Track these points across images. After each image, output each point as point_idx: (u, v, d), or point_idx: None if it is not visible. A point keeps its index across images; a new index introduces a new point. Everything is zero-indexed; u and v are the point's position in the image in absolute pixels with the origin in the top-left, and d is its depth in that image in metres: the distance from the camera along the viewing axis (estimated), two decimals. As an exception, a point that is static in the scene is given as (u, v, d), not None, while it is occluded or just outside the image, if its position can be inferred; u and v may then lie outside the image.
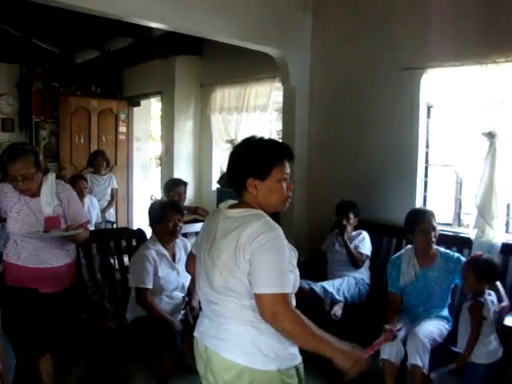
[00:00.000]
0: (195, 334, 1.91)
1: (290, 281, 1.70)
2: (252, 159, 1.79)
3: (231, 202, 1.87)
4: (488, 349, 2.78)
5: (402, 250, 3.54)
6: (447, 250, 3.44)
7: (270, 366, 1.70)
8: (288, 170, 1.82)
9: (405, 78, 4.13)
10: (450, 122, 3.96)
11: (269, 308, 1.65)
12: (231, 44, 4.68)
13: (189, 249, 3.57)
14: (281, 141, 1.87)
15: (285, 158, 1.81)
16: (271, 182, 1.77)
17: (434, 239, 3.33)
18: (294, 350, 1.77)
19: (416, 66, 4.04)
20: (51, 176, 2.88)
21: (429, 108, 4.21)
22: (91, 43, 6.63)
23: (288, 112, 5.09)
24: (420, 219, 3.35)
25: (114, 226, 5.97)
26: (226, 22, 4.30)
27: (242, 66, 5.61)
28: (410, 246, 3.49)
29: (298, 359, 1.79)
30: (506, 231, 3.83)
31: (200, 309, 2.77)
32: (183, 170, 6.42)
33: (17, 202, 2.82)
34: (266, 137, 1.95)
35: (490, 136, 3.69)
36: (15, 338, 2.81)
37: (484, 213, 3.68)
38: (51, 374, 2.92)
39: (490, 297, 2.90)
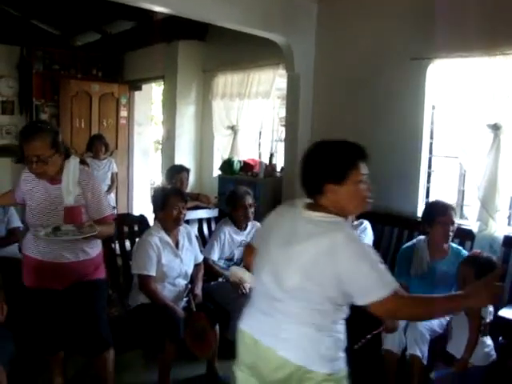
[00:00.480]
0: (242, 326, 1.88)
1: (389, 275, 1.66)
2: (326, 164, 1.74)
3: (307, 200, 1.81)
4: (485, 350, 2.70)
5: (414, 240, 3.50)
6: (460, 247, 3.43)
7: (324, 367, 1.70)
8: (365, 171, 1.76)
9: (412, 68, 4.09)
10: (456, 114, 3.93)
11: (383, 312, 1.68)
12: (235, 30, 4.63)
13: (192, 236, 3.58)
14: (352, 142, 1.79)
15: (359, 159, 1.76)
16: (350, 186, 1.72)
17: (451, 233, 3.29)
18: (343, 356, 1.77)
19: (423, 57, 4.00)
20: (74, 161, 2.59)
21: (434, 99, 4.17)
22: (92, 26, 6.56)
23: (292, 99, 5.06)
24: (441, 212, 3.31)
25: (115, 211, 5.95)
26: (230, 8, 4.26)
27: (245, 52, 5.56)
28: (422, 237, 3.46)
29: (345, 365, 1.78)
30: (509, 224, 3.83)
31: (207, 297, 2.76)
32: (184, 156, 6.38)
33: (36, 188, 2.59)
34: (339, 139, 1.83)
35: (495, 128, 3.68)
36: (25, 335, 2.74)
37: (487, 205, 3.68)
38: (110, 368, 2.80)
39: None
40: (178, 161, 6.05)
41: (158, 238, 3.27)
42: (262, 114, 5.85)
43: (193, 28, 5.94)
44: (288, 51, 4.81)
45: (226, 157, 6.01)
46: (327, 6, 4.81)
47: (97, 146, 6.03)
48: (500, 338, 2.91)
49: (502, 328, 2.93)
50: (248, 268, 2.20)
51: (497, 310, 2.95)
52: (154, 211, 3.49)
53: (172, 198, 3.31)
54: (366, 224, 4.15)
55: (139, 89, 7.51)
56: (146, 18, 6.04)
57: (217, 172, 6.20)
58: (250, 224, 4.04)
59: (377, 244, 4.18)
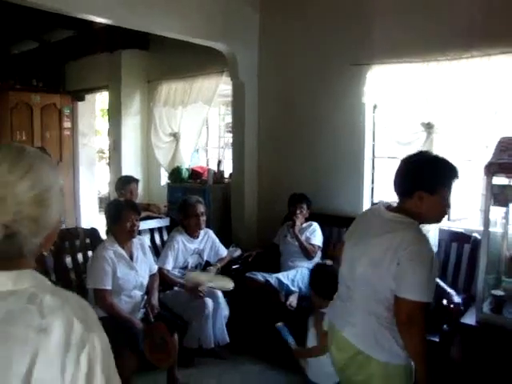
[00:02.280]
0: (326, 310, 2.22)
1: (432, 288, 1.85)
2: (428, 175, 1.92)
3: (390, 202, 2.03)
4: (325, 370, 2.56)
5: None
6: None
7: (381, 356, 1.87)
8: (452, 190, 1.96)
9: (352, 74, 4.27)
10: (394, 115, 4.15)
11: (407, 312, 1.81)
12: (178, 39, 4.66)
13: (146, 247, 3.59)
14: (452, 163, 1.98)
15: (454, 179, 1.95)
16: (437, 198, 1.91)
17: None
18: (405, 353, 1.89)
19: (362, 62, 4.19)
20: None
21: (374, 102, 4.36)
22: (29, 34, 6.37)
23: (237, 106, 5.15)
24: None
25: (63, 224, 5.84)
26: (172, 17, 4.28)
27: (189, 60, 5.58)
28: None
29: (408, 361, 1.90)
30: (448, 219, 4.04)
31: (164, 306, 2.78)
32: (131, 166, 6.34)
33: None
34: (432, 154, 2.06)
35: (428, 127, 3.92)
36: None
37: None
38: None
39: None
40: (125, 171, 6.01)
41: (112, 251, 3.27)
42: (206, 121, 5.92)
43: (135, 37, 5.92)
44: (232, 59, 4.89)
45: (165, 165, 6.02)
46: (269, 15, 4.93)
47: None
48: (444, 326, 3.06)
49: (445, 316, 3.08)
50: (337, 261, 2.34)
51: (440, 299, 3.12)
52: (108, 224, 3.48)
53: (125, 210, 3.32)
54: (315, 225, 4.29)
55: (82, 99, 7.37)
56: (87, 26, 5.96)
57: (165, 181, 6.20)
58: (202, 232, 4.09)
59: (326, 244, 4.32)
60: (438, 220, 2.06)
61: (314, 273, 2.99)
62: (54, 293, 0.89)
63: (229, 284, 3.87)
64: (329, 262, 3.07)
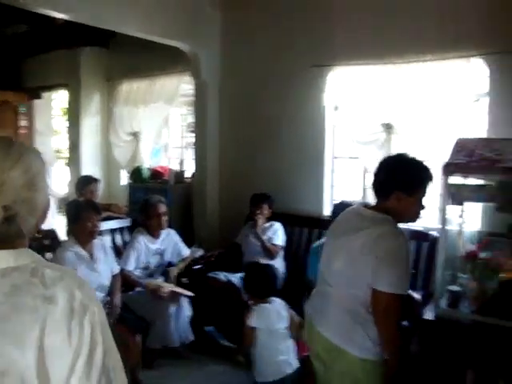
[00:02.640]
0: (306, 307, 2.22)
1: (406, 281, 1.93)
2: (405, 176, 2.01)
3: (366, 202, 2.16)
4: (269, 368, 2.77)
5: (323, 240, 3.66)
6: None
7: (355, 351, 1.92)
8: (427, 192, 2.05)
9: (313, 75, 4.33)
10: (354, 116, 4.23)
11: (384, 304, 1.87)
12: (139, 37, 4.60)
13: (107, 248, 3.54)
14: (426, 164, 2.07)
15: (430, 181, 2.04)
16: (414, 199, 2.00)
17: None
18: (378, 348, 1.94)
19: (323, 64, 4.25)
20: None
21: (335, 103, 4.42)
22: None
23: (199, 106, 5.14)
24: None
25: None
26: (133, 15, 4.23)
27: (150, 59, 5.53)
28: None
29: (380, 356, 1.95)
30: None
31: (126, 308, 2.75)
32: (91, 166, 6.23)
33: None
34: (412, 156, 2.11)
35: (388, 127, 4.03)
36: None
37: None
38: None
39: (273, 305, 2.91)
40: (84, 171, 5.90)
41: (72, 252, 3.20)
42: (167, 121, 5.88)
43: (96, 35, 5.80)
44: (194, 59, 4.87)
45: (124, 164, 5.95)
46: (231, 15, 4.94)
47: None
48: (404, 322, 3.14)
49: (406, 311, 3.16)
50: None
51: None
52: (68, 225, 3.41)
53: (85, 211, 3.26)
54: (277, 225, 4.32)
55: (39, 97, 7.18)
56: (44, 21, 5.80)
57: (125, 181, 6.12)
58: (163, 232, 4.06)
59: (288, 244, 4.36)
60: (413, 220, 2.12)
61: (246, 271, 3.10)
62: (52, 267, 0.97)
63: (188, 292, 3.84)
64: (262, 261, 3.16)
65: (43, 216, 1.05)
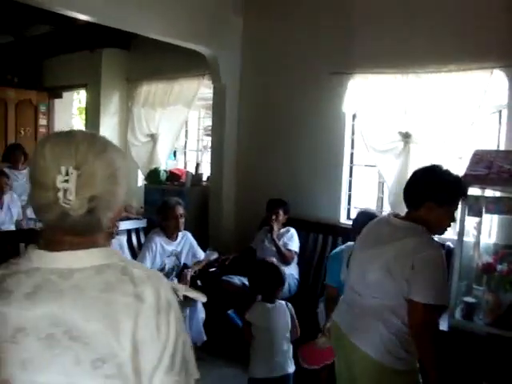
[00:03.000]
0: (334, 317, 2.23)
1: (445, 291, 1.98)
2: (439, 187, 2.04)
3: (396, 212, 2.18)
4: (268, 364, 2.84)
5: (343, 246, 3.60)
6: None
7: (388, 362, 1.92)
8: (458, 206, 2.14)
9: (332, 82, 4.34)
10: (373, 124, 4.23)
11: (421, 316, 1.87)
12: (160, 40, 4.65)
13: (124, 247, 3.57)
14: (461, 180, 2.17)
15: (462, 196, 2.14)
16: (445, 211, 2.04)
17: None
18: (415, 358, 1.98)
19: (343, 71, 4.26)
20: None
21: (354, 111, 4.43)
22: (3, 28, 6.23)
23: (217, 110, 5.17)
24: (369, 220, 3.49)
25: (37, 223, 5.75)
26: (156, 18, 4.28)
27: (170, 61, 5.58)
28: (351, 243, 3.61)
29: (414, 366, 1.99)
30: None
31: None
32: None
33: None
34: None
35: (406, 136, 4.02)
36: None
37: (396, 209, 3.93)
38: None
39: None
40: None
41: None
42: (184, 124, 5.92)
43: (117, 36, 5.88)
44: (214, 63, 4.91)
45: (141, 165, 6.00)
46: (252, 20, 4.97)
47: (16, 156, 5.77)
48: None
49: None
50: None
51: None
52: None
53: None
54: (293, 231, 4.33)
55: (60, 96, 7.27)
56: (67, 22, 5.88)
57: (141, 182, 6.17)
58: (180, 234, 4.09)
59: (303, 250, 4.37)
60: (441, 232, 2.14)
61: (253, 268, 3.18)
62: (139, 267, 1.04)
63: (202, 297, 3.85)
64: (268, 259, 3.24)
65: (119, 213, 1.08)
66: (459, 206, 2.14)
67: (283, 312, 2.92)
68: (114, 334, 0.92)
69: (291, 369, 2.89)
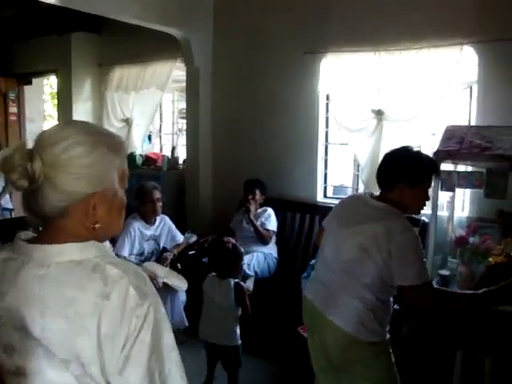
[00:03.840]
0: (305, 293, 2.26)
1: (426, 269, 2.00)
2: (410, 169, 2.07)
3: (372, 193, 2.16)
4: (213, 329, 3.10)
5: None
6: None
7: (364, 336, 1.98)
8: (431, 184, 2.15)
9: (306, 62, 4.35)
10: (346, 103, 4.25)
11: (413, 298, 1.95)
12: (131, 23, 4.58)
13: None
14: (432, 158, 2.23)
15: (434, 173, 2.14)
16: (418, 191, 2.07)
17: None
18: (385, 329, 2.06)
19: (316, 51, 4.27)
20: None
21: (328, 90, 4.44)
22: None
23: (191, 92, 5.14)
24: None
25: (13, 213, 5.67)
26: (126, 1, 4.21)
27: (142, 45, 5.49)
28: None
29: (386, 335, 2.07)
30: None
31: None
32: (83, 152, 6.19)
33: None
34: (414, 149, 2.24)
35: (379, 114, 4.05)
36: None
37: (370, 187, 3.98)
38: None
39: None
40: (76, 157, 5.87)
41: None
42: (159, 107, 5.88)
43: (86, 20, 5.74)
44: (186, 45, 4.86)
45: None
46: (223, 1, 4.92)
47: (-14, 145, 5.67)
48: (395, 306, 3.21)
49: (396, 295, 3.23)
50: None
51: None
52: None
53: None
54: (270, 211, 4.36)
55: (29, 83, 7.09)
56: (32, 6, 5.73)
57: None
58: (158, 218, 4.09)
59: (281, 229, 4.41)
60: (417, 211, 2.20)
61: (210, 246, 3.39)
62: (114, 263, 0.99)
63: (183, 284, 3.87)
64: (225, 239, 3.41)
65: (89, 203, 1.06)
66: (432, 185, 2.17)
67: (229, 290, 3.05)
68: (77, 333, 0.92)
69: (232, 342, 3.05)
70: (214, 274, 3.18)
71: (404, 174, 2.06)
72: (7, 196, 5.84)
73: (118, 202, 1.08)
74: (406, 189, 2.04)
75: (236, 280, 3.10)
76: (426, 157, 2.15)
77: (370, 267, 1.97)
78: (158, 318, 0.97)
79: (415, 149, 2.20)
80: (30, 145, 1.01)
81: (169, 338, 0.99)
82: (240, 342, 3.08)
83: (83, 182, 1.00)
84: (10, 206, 5.64)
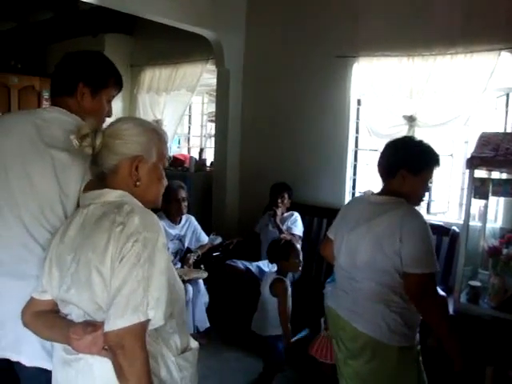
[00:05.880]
0: (329, 303, 2.20)
1: (435, 257, 1.92)
2: (412, 154, 2.03)
3: (373, 191, 2.12)
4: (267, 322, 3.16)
5: None
6: None
7: (393, 341, 1.92)
8: (433, 175, 2.09)
9: (337, 66, 4.29)
10: (377, 108, 4.18)
11: (419, 286, 1.88)
12: (163, 24, 4.58)
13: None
14: (434, 148, 2.11)
15: (436, 164, 2.06)
16: (419, 180, 2.02)
17: None
18: (415, 332, 2.00)
19: (348, 55, 4.21)
20: None
21: (359, 95, 4.39)
22: (6, 13, 6.18)
23: (221, 94, 5.13)
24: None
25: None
26: (160, 1, 4.22)
27: (173, 47, 5.54)
28: None
29: (417, 341, 2.01)
30: (428, 212, 4.11)
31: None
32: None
33: None
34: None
35: (411, 120, 3.96)
36: None
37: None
38: None
39: None
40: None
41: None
42: (188, 108, 5.89)
43: (120, 21, 5.82)
44: (218, 47, 4.86)
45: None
46: (256, 3, 4.91)
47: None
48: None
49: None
50: (328, 258, 2.35)
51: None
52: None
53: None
54: (297, 215, 4.31)
55: (63, 83, 7.20)
56: (69, 8, 5.83)
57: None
58: (183, 217, 4.08)
59: (307, 234, 4.35)
60: (417, 203, 2.12)
61: (269, 247, 3.38)
62: (131, 204, 1.32)
63: (202, 274, 3.87)
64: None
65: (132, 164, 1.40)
66: (433, 176, 2.09)
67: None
68: (93, 248, 1.27)
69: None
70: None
71: (407, 160, 2.01)
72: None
73: (157, 171, 1.42)
74: (407, 176, 1.99)
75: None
76: (429, 147, 2.09)
77: (386, 261, 1.91)
78: (154, 250, 1.24)
79: (417, 138, 2.16)
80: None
81: (160, 269, 1.25)
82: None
83: (129, 145, 1.36)
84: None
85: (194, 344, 1.48)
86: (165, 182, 1.47)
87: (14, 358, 1.59)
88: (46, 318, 1.37)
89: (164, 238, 1.30)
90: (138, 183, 1.36)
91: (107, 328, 1.20)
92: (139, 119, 1.49)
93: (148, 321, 1.22)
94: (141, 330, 1.21)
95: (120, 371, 1.19)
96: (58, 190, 1.54)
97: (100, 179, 1.39)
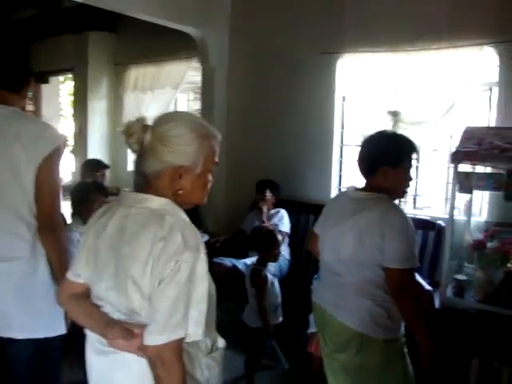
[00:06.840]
0: (314, 298, 2.22)
1: (415, 252, 1.94)
2: (390, 150, 2.02)
3: (355, 186, 2.10)
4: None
5: None
6: None
7: (378, 334, 1.93)
8: (412, 163, 2.08)
9: (323, 62, 4.30)
10: (362, 104, 4.19)
11: (398, 281, 1.88)
12: (147, 21, 4.55)
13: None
14: (408, 137, 2.11)
15: (413, 151, 2.06)
16: (400, 172, 2.02)
17: None
18: (400, 325, 2.00)
19: (333, 51, 4.21)
20: None
21: (344, 91, 4.39)
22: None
23: (207, 92, 5.11)
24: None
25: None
26: (143, -1, 4.19)
27: (158, 44, 5.48)
28: None
29: (402, 333, 2.02)
30: (414, 207, 4.14)
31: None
32: (97, 151, 6.20)
33: None
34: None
35: (395, 115, 3.99)
36: None
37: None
38: None
39: None
40: (90, 155, 5.87)
41: (79, 233, 3.19)
42: (173, 107, 5.86)
43: (103, 19, 5.76)
44: (202, 44, 4.84)
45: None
46: (240, 0, 4.89)
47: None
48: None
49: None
50: (314, 254, 2.34)
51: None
52: (74, 206, 3.40)
53: (93, 192, 3.23)
54: (283, 212, 4.31)
55: (46, 81, 7.14)
56: (52, 5, 5.77)
57: (131, 166, 6.09)
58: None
59: (294, 231, 4.35)
60: (402, 195, 2.13)
61: (251, 235, 3.37)
62: (175, 216, 1.29)
63: None
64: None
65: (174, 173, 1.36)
66: (413, 166, 2.11)
67: None
68: (133, 259, 1.25)
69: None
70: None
71: (384, 156, 2.01)
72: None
73: (201, 179, 1.38)
74: (388, 171, 1.99)
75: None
76: (403, 136, 2.10)
77: (368, 256, 1.92)
78: (196, 268, 1.23)
79: (391, 131, 2.21)
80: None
81: (200, 290, 1.24)
82: None
83: (176, 155, 1.31)
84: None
85: (221, 343, 1.50)
86: (210, 185, 1.43)
87: (5, 335, 1.62)
88: (83, 306, 1.39)
89: (204, 255, 1.28)
90: (180, 192, 1.33)
91: (147, 342, 1.22)
92: (192, 121, 1.38)
93: (187, 335, 1.25)
94: (179, 344, 1.24)
95: (158, 381, 1.22)
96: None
97: (142, 178, 1.35)
